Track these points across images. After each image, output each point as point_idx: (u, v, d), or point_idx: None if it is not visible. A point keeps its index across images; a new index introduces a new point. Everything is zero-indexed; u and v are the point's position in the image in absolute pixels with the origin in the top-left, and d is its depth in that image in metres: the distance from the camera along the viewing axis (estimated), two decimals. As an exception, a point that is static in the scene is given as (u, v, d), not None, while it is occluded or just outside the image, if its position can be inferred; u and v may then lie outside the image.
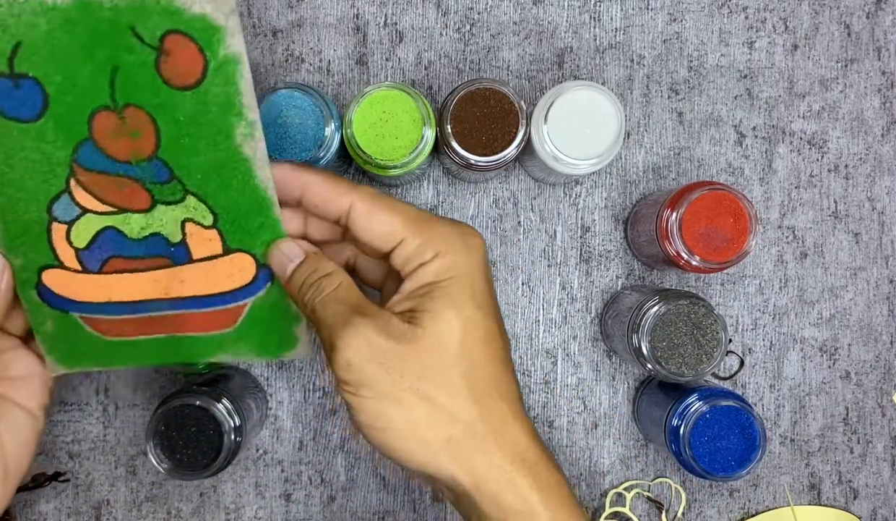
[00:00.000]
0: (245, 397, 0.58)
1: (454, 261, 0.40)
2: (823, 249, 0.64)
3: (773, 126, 0.64)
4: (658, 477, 0.63)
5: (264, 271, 0.44)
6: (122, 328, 0.46)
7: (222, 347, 0.48)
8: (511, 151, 0.54)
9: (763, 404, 0.64)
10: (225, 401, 0.55)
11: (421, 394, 0.39)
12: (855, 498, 0.64)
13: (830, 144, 0.64)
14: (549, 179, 0.61)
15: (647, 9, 0.64)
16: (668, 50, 0.64)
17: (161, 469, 0.54)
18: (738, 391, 0.63)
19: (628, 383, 0.64)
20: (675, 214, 0.54)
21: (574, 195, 0.63)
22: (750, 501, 0.63)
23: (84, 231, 0.43)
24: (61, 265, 0.44)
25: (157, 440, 0.54)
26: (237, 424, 0.54)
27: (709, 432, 0.55)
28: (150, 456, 0.54)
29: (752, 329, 0.64)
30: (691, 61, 0.64)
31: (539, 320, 0.63)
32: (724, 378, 0.62)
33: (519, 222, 0.63)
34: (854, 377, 0.64)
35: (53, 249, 0.43)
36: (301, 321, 0.47)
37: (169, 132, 0.40)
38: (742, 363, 0.63)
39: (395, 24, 0.63)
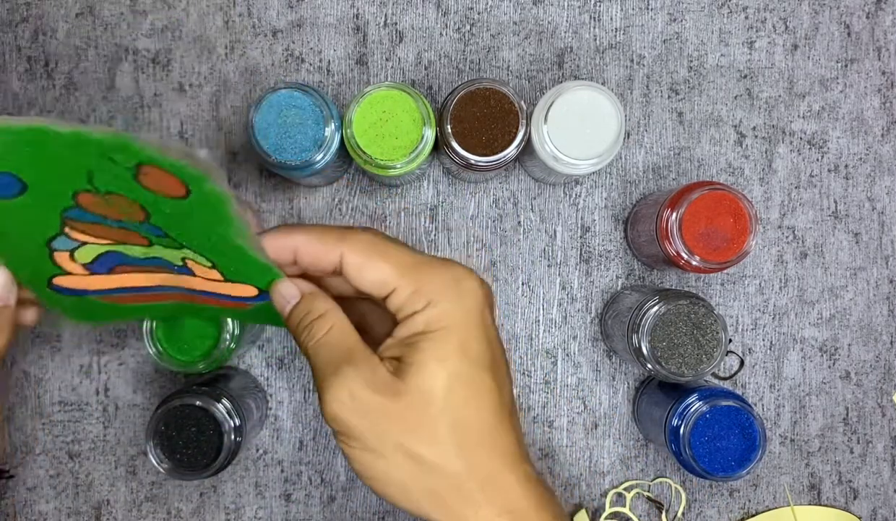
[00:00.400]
0: (245, 397, 0.58)
1: (444, 310, 0.39)
2: (823, 249, 0.64)
3: (773, 126, 0.64)
4: (658, 477, 0.63)
5: (266, 293, 0.44)
6: (136, 299, 0.46)
7: (232, 314, 0.49)
8: (511, 151, 0.54)
9: (763, 404, 0.64)
10: (225, 401, 0.55)
11: (404, 450, 0.39)
12: (855, 498, 0.64)
13: (830, 144, 0.64)
14: (549, 179, 0.61)
15: (647, 9, 0.64)
16: (668, 50, 0.64)
17: (161, 469, 0.54)
18: (738, 391, 0.63)
19: (628, 383, 0.64)
20: (675, 214, 0.54)
21: (574, 195, 0.63)
22: (750, 501, 0.63)
23: (87, 254, 0.43)
24: (68, 274, 0.44)
25: (157, 440, 0.54)
26: (237, 424, 0.54)
27: (709, 432, 0.55)
28: (150, 456, 0.54)
29: (752, 329, 0.64)
30: (691, 61, 0.64)
31: (539, 320, 0.63)
32: (724, 378, 0.62)
33: (519, 222, 0.63)
34: (854, 377, 0.64)
35: (59, 266, 0.43)
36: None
37: (158, 217, 0.39)
38: (742, 363, 0.63)
39: (395, 24, 0.63)
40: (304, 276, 0.43)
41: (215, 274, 0.43)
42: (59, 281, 0.44)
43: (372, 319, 0.44)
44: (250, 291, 0.44)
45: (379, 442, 0.39)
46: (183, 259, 0.43)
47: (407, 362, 0.39)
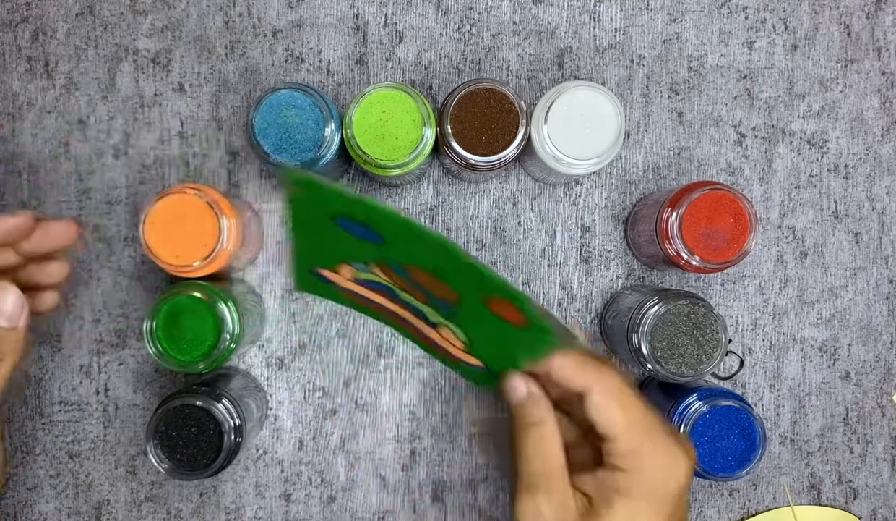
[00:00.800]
0: (245, 397, 0.58)
1: (650, 485, 0.43)
2: (823, 249, 0.64)
3: (773, 126, 0.64)
4: (658, 477, 0.63)
5: None
6: (369, 303, 0.51)
7: (452, 364, 0.53)
8: (511, 151, 0.54)
9: (763, 404, 0.64)
10: (225, 401, 0.55)
11: None
12: (855, 498, 0.64)
13: (830, 144, 0.64)
14: (549, 179, 0.61)
15: (647, 9, 0.64)
16: (668, 50, 0.64)
17: (161, 469, 0.54)
18: (738, 391, 0.63)
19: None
20: (675, 214, 0.54)
21: (574, 195, 0.63)
22: (750, 501, 0.63)
23: (365, 276, 0.49)
24: (337, 272, 0.49)
25: (157, 440, 0.54)
26: (237, 424, 0.54)
27: (709, 432, 0.55)
28: (150, 456, 0.54)
29: (752, 329, 0.64)
30: (691, 61, 0.64)
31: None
32: (724, 378, 0.62)
33: (519, 222, 0.63)
34: (854, 377, 0.64)
35: (335, 267, 0.49)
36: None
37: (469, 315, 0.45)
38: (742, 363, 0.63)
39: (395, 24, 0.63)
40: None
41: (460, 346, 0.49)
42: (322, 271, 0.50)
43: (569, 428, 0.48)
44: (478, 363, 0.50)
45: None
46: (438, 324, 0.49)
47: (596, 509, 0.43)
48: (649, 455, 0.43)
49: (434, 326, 0.50)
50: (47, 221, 0.50)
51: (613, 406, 0.44)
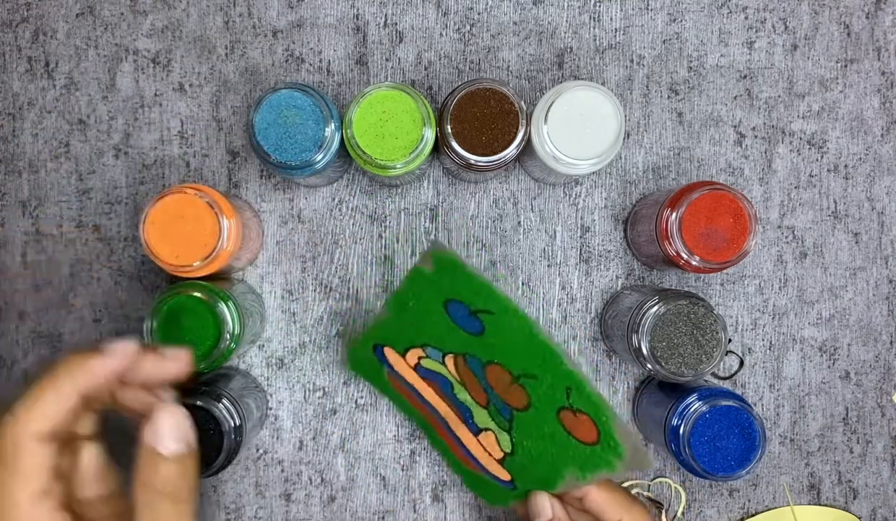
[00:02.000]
0: (245, 397, 0.58)
1: None
2: (823, 250, 0.64)
3: (773, 126, 0.64)
4: (658, 477, 0.63)
5: None
6: (407, 395, 0.56)
7: (467, 478, 0.57)
8: (511, 151, 0.54)
9: (763, 404, 0.64)
10: (225, 401, 0.55)
11: None
12: (855, 498, 0.64)
13: (830, 144, 0.64)
14: (549, 179, 0.61)
15: (647, 9, 0.64)
16: (668, 50, 0.64)
17: (161, 469, 0.54)
18: (738, 391, 0.63)
19: (628, 383, 0.64)
20: (675, 214, 0.54)
21: (574, 195, 0.63)
22: (750, 501, 0.63)
23: (430, 364, 0.53)
24: (402, 355, 0.54)
25: (158, 440, 0.54)
26: (237, 424, 0.54)
27: (709, 432, 0.55)
28: (151, 456, 0.54)
29: (752, 329, 0.64)
30: (691, 61, 0.64)
31: (539, 320, 0.63)
32: (724, 378, 0.62)
33: (519, 222, 0.63)
34: (854, 377, 0.64)
35: (404, 351, 0.53)
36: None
37: (529, 422, 0.50)
38: (742, 363, 0.63)
39: (395, 24, 0.63)
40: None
41: (497, 453, 0.53)
42: (387, 350, 0.54)
43: None
44: (505, 476, 0.53)
45: None
46: (485, 428, 0.52)
47: None
48: None
49: (477, 432, 0.54)
50: (159, 351, 0.44)
51: None
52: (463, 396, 0.53)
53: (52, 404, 0.37)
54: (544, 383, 0.48)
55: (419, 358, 0.54)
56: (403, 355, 0.54)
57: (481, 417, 0.53)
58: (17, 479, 0.35)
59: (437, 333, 0.51)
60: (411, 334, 0.52)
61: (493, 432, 0.53)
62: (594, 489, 0.50)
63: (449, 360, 0.52)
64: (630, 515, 0.49)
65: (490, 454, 0.53)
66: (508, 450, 0.52)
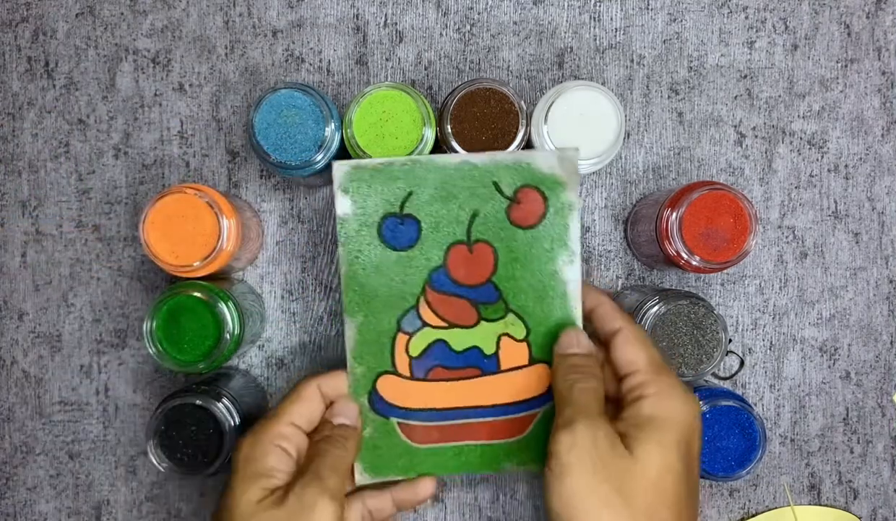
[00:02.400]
0: (245, 396, 0.58)
1: (672, 407, 0.47)
2: (823, 250, 0.64)
3: (773, 126, 0.64)
4: (658, 477, 0.63)
5: None
6: (429, 434, 0.54)
7: (509, 456, 0.55)
8: (511, 151, 0.54)
9: (763, 404, 0.64)
10: (225, 400, 0.55)
11: (608, 501, 0.45)
12: (855, 498, 0.64)
13: (830, 144, 0.64)
14: (549, 179, 0.61)
15: (647, 9, 0.64)
16: (668, 50, 0.64)
17: (161, 469, 0.54)
18: (738, 391, 0.63)
19: (628, 383, 0.64)
20: (675, 214, 0.54)
21: (574, 195, 0.63)
22: (750, 501, 0.63)
23: (420, 342, 0.53)
24: (395, 372, 0.54)
25: (158, 440, 0.54)
26: (237, 423, 0.54)
27: (709, 432, 0.55)
28: (151, 456, 0.54)
29: (752, 329, 0.64)
30: (691, 61, 0.64)
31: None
32: (724, 378, 0.62)
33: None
34: (854, 377, 0.64)
35: (393, 358, 0.54)
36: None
37: (505, 262, 0.53)
38: (742, 363, 0.63)
39: (395, 24, 0.63)
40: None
41: (523, 353, 0.54)
42: (382, 384, 0.54)
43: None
44: (543, 383, 0.54)
45: (593, 480, 0.46)
46: (498, 339, 0.53)
47: (632, 437, 0.46)
48: (668, 385, 0.48)
49: (496, 368, 0.54)
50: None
51: (638, 345, 0.49)
52: (460, 343, 0.54)
53: (290, 405, 0.51)
54: (484, 212, 0.53)
55: (406, 347, 0.54)
56: (394, 365, 0.54)
57: (485, 335, 0.54)
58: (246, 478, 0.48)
59: (396, 288, 0.53)
60: (384, 312, 0.53)
61: (506, 334, 0.54)
62: (601, 307, 0.52)
63: (423, 309, 0.53)
64: (629, 326, 0.51)
65: (519, 368, 0.54)
66: (524, 333, 0.54)
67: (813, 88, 0.64)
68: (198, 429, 0.54)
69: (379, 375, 0.54)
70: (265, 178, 0.63)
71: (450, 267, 0.53)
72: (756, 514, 0.63)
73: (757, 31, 0.64)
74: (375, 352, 0.54)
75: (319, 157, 0.54)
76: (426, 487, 0.54)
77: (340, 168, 0.52)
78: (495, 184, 0.52)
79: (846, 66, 0.64)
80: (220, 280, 0.58)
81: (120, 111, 0.63)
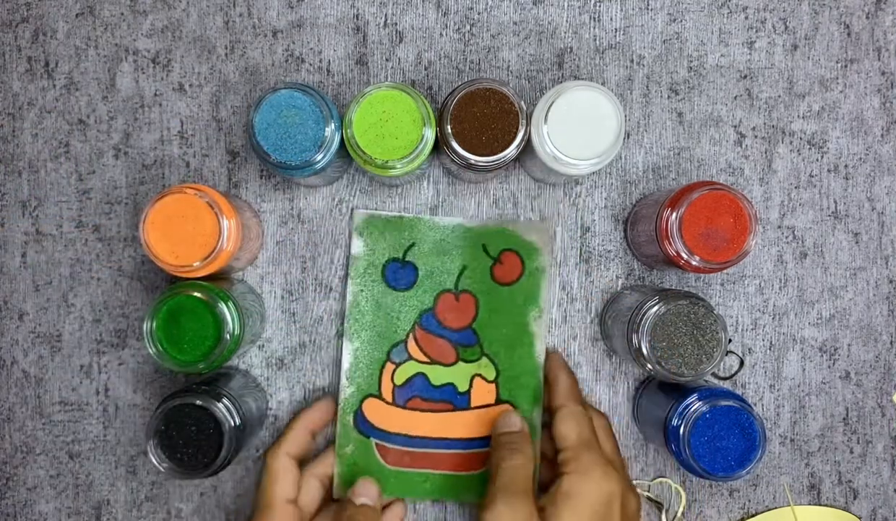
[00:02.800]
0: (245, 396, 0.58)
1: (587, 485, 0.53)
2: (823, 249, 0.64)
3: (773, 126, 0.64)
4: (658, 477, 0.63)
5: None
6: (401, 458, 0.61)
7: (469, 488, 0.61)
8: (511, 151, 0.54)
9: (763, 404, 0.64)
10: (225, 401, 0.55)
11: None
12: (855, 498, 0.64)
13: (830, 144, 0.64)
14: (549, 179, 0.61)
15: (647, 9, 0.64)
16: (668, 50, 0.64)
17: (161, 469, 0.54)
18: (738, 391, 0.63)
19: (628, 383, 0.64)
20: (675, 214, 0.54)
21: (574, 195, 0.63)
22: (750, 501, 0.63)
23: (404, 372, 0.61)
24: (380, 396, 0.61)
25: (158, 440, 0.54)
26: (237, 423, 0.54)
27: (709, 432, 0.55)
28: (151, 456, 0.54)
29: (752, 329, 0.64)
30: (691, 61, 0.64)
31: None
32: (724, 378, 0.62)
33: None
34: (854, 377, 0.64)
35: (380, 383, 0.61)
36: (537, 470, 0.59)
37: (484, 312, 0.61)
38: (742, 363, 0.63)
39: (395, 24, 0.63)
40: None
41: (491, 393, 0.61)
42: (367, 406, 0.61)
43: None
44: (517, 418, 0.59)
45: None
46: (472, 378, 0.61)
47: (549, 512, 0.52)
48: (589, 462, 0.53)
49: (467, 404, 0.61)
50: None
51: (572, 423, 0.56)
52: (438, 378, 0.61)
53: (295, 436, 0.59)
54: (471, 268, 0.61)
55: (392, 375, 0.61)
56: (379, 390, 0.61)
57: (461, 374, 0.61)
58: (278, 485, 0.57)
59: (391, 322, 0.61)
60: (380, 341, 0.61)
61: (479, 375, 0.61)
62: (557, 370, 0.60)
63: (411, 344, 0.61)
64: (569, 406, 0.57)
65: (486, 406, 0.61)
66: (494, 375, 0.61)
67: (813, 88, 0.64)
68: (198, 429, 0.54)
69: (365, 397, 0.61)
70: (265, 178, 0.63)
71: (438, 311, 0.61)
72: (756, 514, 0.63)
73: (757, 31, 0.64)
74: (366, 376, 0.61)
75: (319, 157, 0.54)
76: (396, 512, 0.61)
77: (360, 214, 0.62)
78: (483, 246, 0.61)
79: (846, 66, 0.64)
80: (220, 280, 0.58)
81: (120, 111, 0.63)
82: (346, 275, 0.62)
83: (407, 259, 0.61)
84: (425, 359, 0.61)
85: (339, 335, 0.63)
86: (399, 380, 0.61)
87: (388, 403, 0.61)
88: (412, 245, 0.61)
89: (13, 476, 0.62)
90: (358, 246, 0.61)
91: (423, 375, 0.61)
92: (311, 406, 0.61)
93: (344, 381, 0.61)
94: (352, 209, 0.62)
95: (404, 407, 0.61)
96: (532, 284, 0.61)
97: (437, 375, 0.61)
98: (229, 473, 0.62)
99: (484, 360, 0.61)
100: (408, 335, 0.61)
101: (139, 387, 0.62)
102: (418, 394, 0.61)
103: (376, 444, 0.61)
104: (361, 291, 0.61)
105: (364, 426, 0.61)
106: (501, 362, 0.61)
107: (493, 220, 0.62)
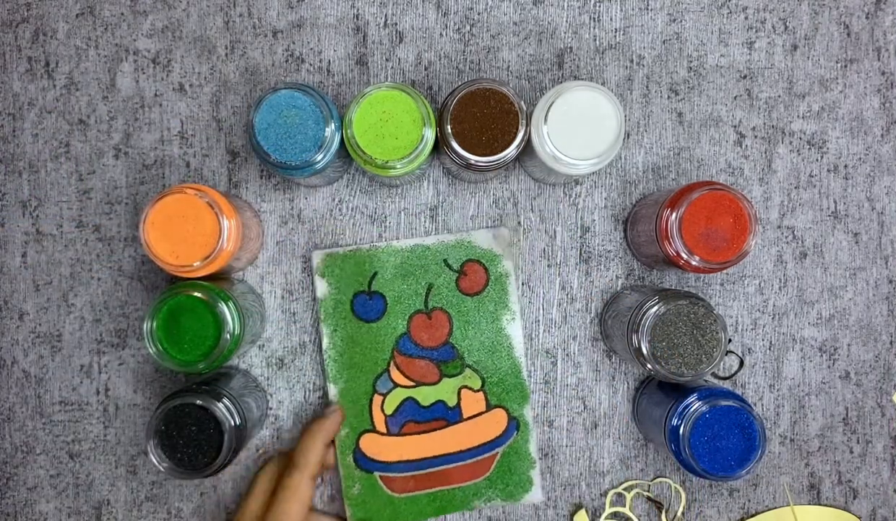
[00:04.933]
0: (245, 396, 0.58)
1: None
2: (823, 249, 0.64)
3: (773, 126, 0.64)
4: (658, 477, 0.63)
5: (513, 423, 0.62)
6: (406, 484, 0.62)
7: (477, 495, 0.62)
8: (511, 151, 0.54)
9: (763, 404, 0.64)
10: (225, 400, 0.55)
11: None
12: (854, 498, 0.64)
13: (830, 144, 0.64)
14: (549, 179, 0.61)
15: (647, 9, 0.64)
16: (668, 50, 0.64)
17: (161, 469, 0.54)
18: (738, 391, 0.63)
19: (628, 383, 0.64)
20: (675, 215, 0.54)
21: (574, 195, 0.63)
22: (750, 501, 0.63)
23: (392, 401, 0.62)
24: (374, 430, 0.62)
25: (158, 440, 0.54)
26: (237, 423, 0.55)
27: (709, 432, 0.55)
28: (151, 456, 0.54)
29: (752, 329, 0.64)
30: (691, 61, 0.64)
31: (539, 320, 0.63)
32: (724, 378, 0.62)
33: (519, 222, 0.63)
34: (854, 377, 0.64)
35: (371, 417, 0.62)
36: (535, 466, 0.62)
37: (459, 325, 0.62)
38: (742, 363, 0.63)
39: (395, 24, 0.63)
40: None
41: (481, 401, 0.62)
42: (364, 442, 0.61)
43: None
44: (501, 425, 0.62)
45: None
46: (459, 391, 0.62)
47: None
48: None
49: (458, 417, 0.62)
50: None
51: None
52: (426, 398, 0.62)
53: (317, 452, 0.59)
54: (437, 286, 0.62)
55: (381, 406, 0.62)
56: (372, 423, 0.61)
57: (447, 389, 0.62)
58: (298, 502, 0.57)
59: (370, 355, 0.62)
60: (363, 378, 0.62)
61: (466, 387, 0.62)
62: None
63: (393, 371, 0.62)
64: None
65: (478, 415, 0.62)
66: (480, 383, 0.62)
67: (812, 88, 0.64)
68: (198, 429, 0.54)
69: (361, 434, 0.61)
70: (265, 178, 0.63)
71: (412, 333, 0.62)
72: (756, 514, 0.63)
73: (756, 31, 0.64)
74: (356, 413, 0.62)
75: (319, 157, 0.54)
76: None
77: (317, 255, 0.62)
78: (445, 261, 0.62)
79: (846, 66, 0.64)
80: (220, 280, 0.58)
81: (120, 111, 0.63)
82: (317, 320, 0.62)
83: (373, 289, 0.62)
84: (410, 383, 0.62)
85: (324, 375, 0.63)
86: (389, 409, 0.62)
87: (383, 434, 0.61)
88: (375, 274, 0.62)
89: (13, 476, 0.63)
90: (322, 287, 0.61)
91: (411, 399, 0.62)
92: (326, 417, 0.60)
93: None
94: (310, 251, 0.63)
95: (400, 434, 0.61)
96: (499, 289, 0.62)
97: (425, 395, 0.62)
98: (229, 473, 0.62)
99: (467, 371, 0.62)
100: (388, 364, 0.62)
101: (139, 387, 0.62)
102: (411, 418, 0.62)
103: (380, 477, 0.61)
104: (335, 331, 0.62)
105: (365, 463, 0.62)
106: (485, 370, 0.62)
107: (448, 235, 0.62)
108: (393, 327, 0.62)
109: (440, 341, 0.62)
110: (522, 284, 0.63)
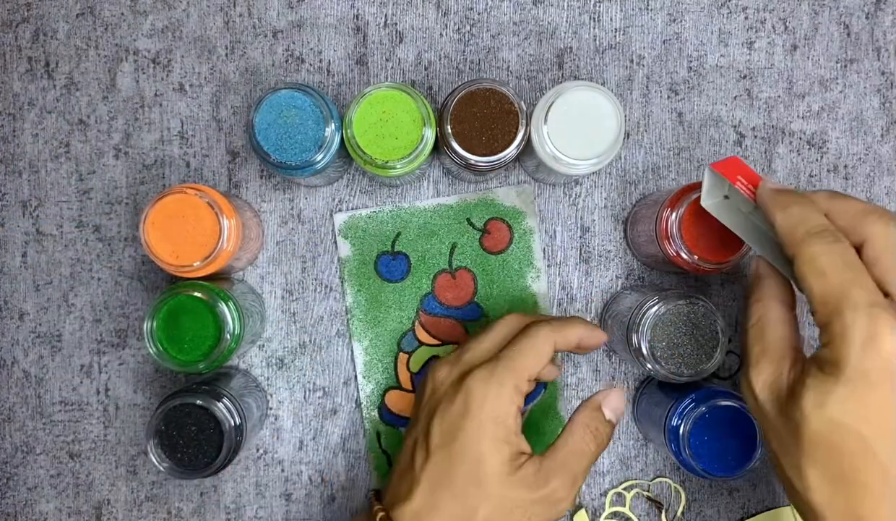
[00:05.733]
0: (245, 396, 0.58)
1: (847, 359, 0.40)
2: (823, 250, 0.64)
3: (773, 126, 0.64)
4: (658, 477, 0.63)
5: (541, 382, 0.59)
6: None
7: None
8: (511, 151, 0.54)
9: (763, 404, 0.64)
10: (225, 400, 0.55)
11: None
12: (854, 498, 0.64)
13: (830, 145, 0.64)
14: (549, 179, 0.61)
15: (647, 9, 0.64)
16: (668, 50, 0.64)
17: (161, 469, 0.54)
18: (738, 391, 0.63)
19: (628, 384, 0.64)
20: (675, 214, 0.54)
21: (574, 195, 0.63)
22: (750, 501, 0.63)
23: (418, 359, 0.62)
24: (399, 387, 0.62)
25: (158, 440, 0.54)
26: (237, 423, 0.55)
27: (708, 432, 0.55)
28: (151, 456, 0.54)
29: (752, 329, 0.64)
30: (691, 62, 0.64)
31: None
32: (724, 378, 0.62)
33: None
34: (854, 377, 0.64)
35: (396, 374, 0.62)
36: (561, 425, 0.61)
37: (483, 284, 0.62)
38: (742, 363, 0.63)
39: (395, 24, 0.63)
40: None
41: None
42: (389, 398, 0.62)
43: None
44: (530, 383, 0.57)
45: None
46: None
47: (798, 389, 0.42)
48: (842, 328, 0.39)
49: None
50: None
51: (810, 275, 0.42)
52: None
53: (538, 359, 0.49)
54: (461, 245, 0.62)
55: (407, 364, 0.62)
56: (398, 381, 0.62)
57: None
58: (536, 355, 0.49)
59: (394, 314, 0.62)
60: (384, 341, 0.62)
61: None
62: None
63: (419, 330, 0.62)
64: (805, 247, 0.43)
65: None
66: None
67: (812, 88, 0.64)
68: (198, 429, 0.54)
69: (386, 390, 0.62)
70: (265, 178, 0.63)
71: (437, 292, 0.62)
72: (756, 514, 0.63)
73: (756, 31, 0.64)
74: (381, 370, 0.62)
75: (319, 157, 0.54)
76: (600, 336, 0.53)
77: (340, 217, 0.62)
78: (468, 220, 0.62)
79: (845, 66, 0.64)
80: (220, 280, 0.58)
81: (120, 111, 0.63)
82: (342, 278, 0.62)
83: (396, 249, 0.62)
84: (436, 342, 0.62)
85: (339, 336, 0.63)
86: (415, 367, 0.62)
87: (408, 391, 0.62)
88: (398, 235, 0.62)
89: (13, 476, 0.63)
90: (345, 248, 0.62)
91: (436, 357, 0.62)
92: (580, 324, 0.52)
93: (361, 380, 0.62)
94: (331, 212, 0.63)
95: None
96: (523, 246, 0.62)
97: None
98: (229, 473, 0.62)
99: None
100: (413, 323, 0.62)
101: (139, 387, 0.62)
102: None
103: (403, 432, 0.62)
104: (359, 290, 0.62)
105: (390, 418, 0.62)
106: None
107: (471, 193, 0.62)
108: (418, 286, 0.62)
109: (465, 300, 0.62)
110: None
